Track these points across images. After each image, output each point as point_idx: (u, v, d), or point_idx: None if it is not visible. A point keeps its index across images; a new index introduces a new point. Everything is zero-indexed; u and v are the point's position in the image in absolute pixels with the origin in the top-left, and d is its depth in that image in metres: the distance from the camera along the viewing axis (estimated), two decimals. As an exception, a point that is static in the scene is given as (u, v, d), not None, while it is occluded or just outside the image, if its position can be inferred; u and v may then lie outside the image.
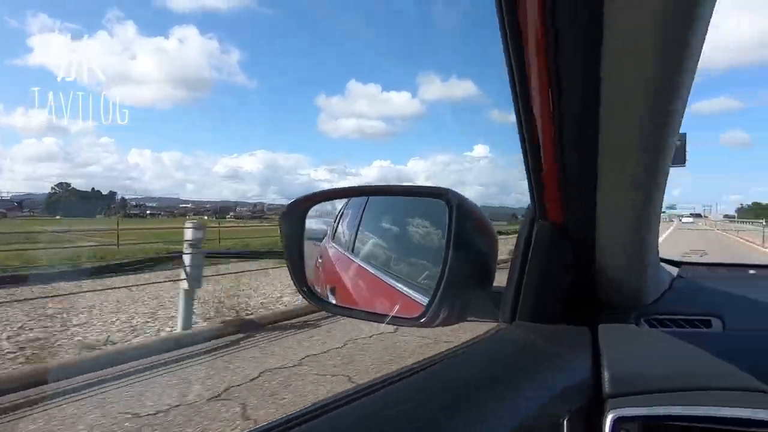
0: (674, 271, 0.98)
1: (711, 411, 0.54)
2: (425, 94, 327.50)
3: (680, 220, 58.83)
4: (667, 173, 0.59)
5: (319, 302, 0.82)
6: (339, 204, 1.22)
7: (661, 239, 0.87)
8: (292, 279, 0.72)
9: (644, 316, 0.74)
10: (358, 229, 1.13)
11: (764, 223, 28.91)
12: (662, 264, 0.95)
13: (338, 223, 1.27)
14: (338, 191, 0.88)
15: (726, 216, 74.59)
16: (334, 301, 0.97)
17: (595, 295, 0.75)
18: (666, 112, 0.48)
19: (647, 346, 0.67)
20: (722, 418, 0.53)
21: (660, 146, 0.53)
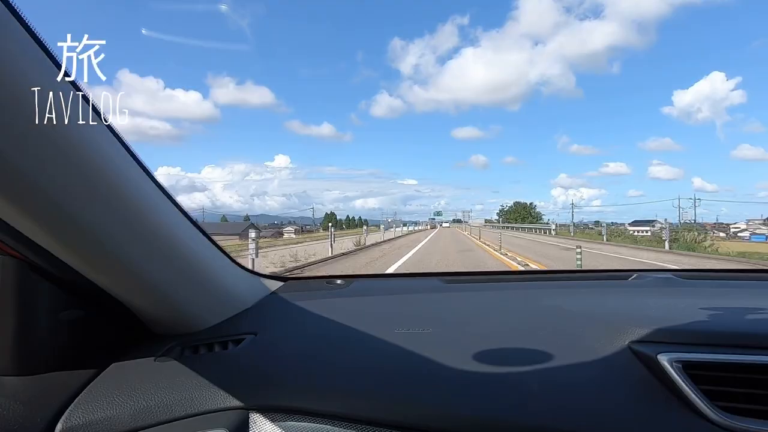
0: (275, 286, 1.02)
1: None
2: (219, 97, 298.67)
3: (441, 225, 69.91)
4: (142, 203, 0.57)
5: None
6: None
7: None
8: None
9: (188, 344, 0.73)
10: None
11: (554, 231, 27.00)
12: (264, 279, 1.00)
13: None
14: None
15: (487, 221, 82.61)
16: None
17: (124, 330, 0.73)
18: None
19: (145, 382, 0.65)
20: None
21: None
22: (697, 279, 1.17)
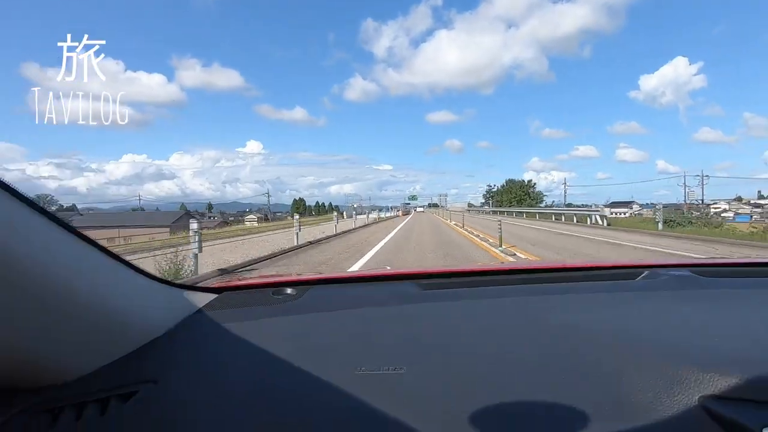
0: (205, 300, 0.78)
1: None
2: (185, 80, 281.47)
3: (416, 210, 65.94)
4: None
5: None
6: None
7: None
8: None
9: (46, 406, 0.50)
10: None
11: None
12: (187, 293, 0.76)
13: None
14: None
15: (471, 205, 75.42)
16: None
17: None
18: None
19: None
20: None
21: None
22: (722, 277, 0.96)
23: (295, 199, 74.92)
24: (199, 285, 0.84)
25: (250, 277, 1.13)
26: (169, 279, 0.75)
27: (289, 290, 0.87)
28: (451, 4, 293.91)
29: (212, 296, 0.81)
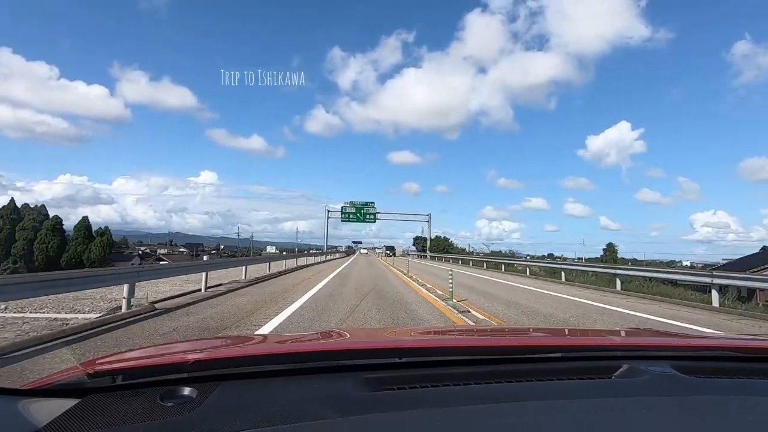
0: (57, 411, 0.56)
1: None
2: (129, 93, 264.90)
3: (359, 252, 68.53)
4: None
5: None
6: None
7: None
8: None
9: None
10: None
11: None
12: (25, 402, 0.59)
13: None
14: None
15: (495, 253, 60.85)
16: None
17: None
18: None
19: None
20: None
21: None
22: (707, 375, 0.88)
23: (100, 228, 52.49)
24: (53, 383, 0.63)
25: (126, 355, 0.90)
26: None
27: (186, 390, 0.66)
28: (422, 40, 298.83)
29: (70, 403, 0.59)
